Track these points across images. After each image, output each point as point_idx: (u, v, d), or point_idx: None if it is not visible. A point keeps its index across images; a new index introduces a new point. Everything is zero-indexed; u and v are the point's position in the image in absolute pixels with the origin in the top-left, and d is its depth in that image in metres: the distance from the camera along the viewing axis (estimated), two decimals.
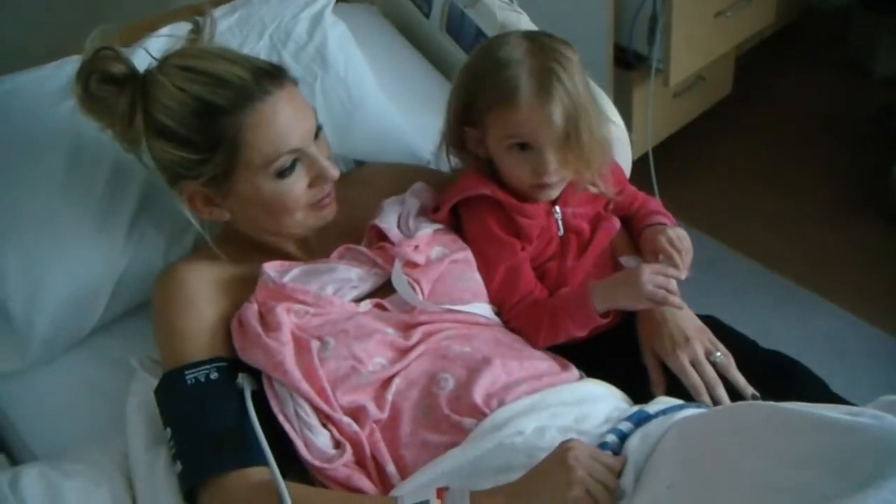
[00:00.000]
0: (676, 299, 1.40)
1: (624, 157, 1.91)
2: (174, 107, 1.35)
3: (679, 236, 1.56)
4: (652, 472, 1.16)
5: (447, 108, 1.55)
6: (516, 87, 1.40)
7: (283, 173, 1.39)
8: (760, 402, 1.32)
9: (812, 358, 1.49)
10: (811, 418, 1.02)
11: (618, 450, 1.23)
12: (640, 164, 2.61)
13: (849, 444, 0.95)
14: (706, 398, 1.42)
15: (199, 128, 1.35)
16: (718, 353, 1.45)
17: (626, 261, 1.61)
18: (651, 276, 1.40)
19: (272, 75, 1.39)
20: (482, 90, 1.44)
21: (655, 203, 1.71)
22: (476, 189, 1.50)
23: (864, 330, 2.54)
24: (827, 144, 3.15)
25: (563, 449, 1.17)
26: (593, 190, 1.57)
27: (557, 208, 1.55)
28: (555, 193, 1.51)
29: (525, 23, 1.87)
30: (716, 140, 3.19)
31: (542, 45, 1.44)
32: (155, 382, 1.39)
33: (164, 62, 1.40)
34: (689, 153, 3.09)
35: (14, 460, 1.55)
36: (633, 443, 1.22)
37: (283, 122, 1.37)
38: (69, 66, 1.66)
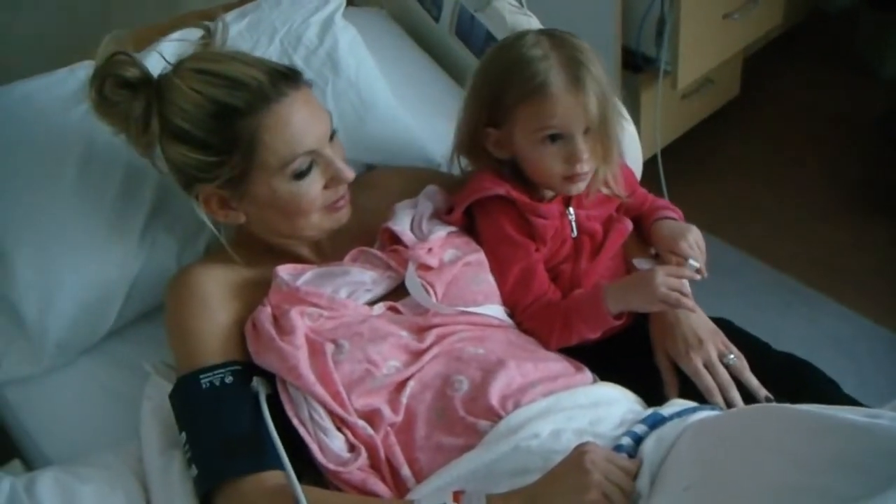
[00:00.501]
0: (689, 302, 1.41)
1: (635, 158, 1.91)
2: (190, 109, 1.36)
3: (695, 240, 1.58)
4: (668, 474, 1.16)
5: (464, 111, 1.55)
6: (547, 79, 1.41)
7: (299, 175, 1.39)
8: (775, 404, 1.32)
9: (821, 359, 1.49)
10: (828, 420, 1.02)
11: (633, 452, 1.23)
12: (648, 165, 2.60)
13: (868, 445, 0.95)
14: (720, 400, 1.42)
15: (215, 130, 1.35)
16: (731, 356, 1.45)
17: (640, 262, 1.61)
18: (664, 278, 1.40)
19: (288, 77, 1.39)
20: (509, 87, 1.45)
21: (664, 203, 1.72)
22: (490, 190, 1.50)
23: (871, 330, 2.54)
24: (834, 145, 3.15)
25: (579, 452, 1.17)
26: (605, 191, 1.58)
27: (571, 210, 1.55)
28: (583, 186, 1.51)
29: (535, 26, 1.87)
30: (724, 141, 3.19)
31: (561, 40, 1.46)
32: (169, 387, 1.39)
33: (179, 66, 1.41)
34: (698, 155, 3.09)
35: (28, 465, 1.55)
36: (649, 445, 1.22)
37: (298, 123, 1.37)
38: (81, 71, 1.68)
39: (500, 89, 1.46)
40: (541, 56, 1.43)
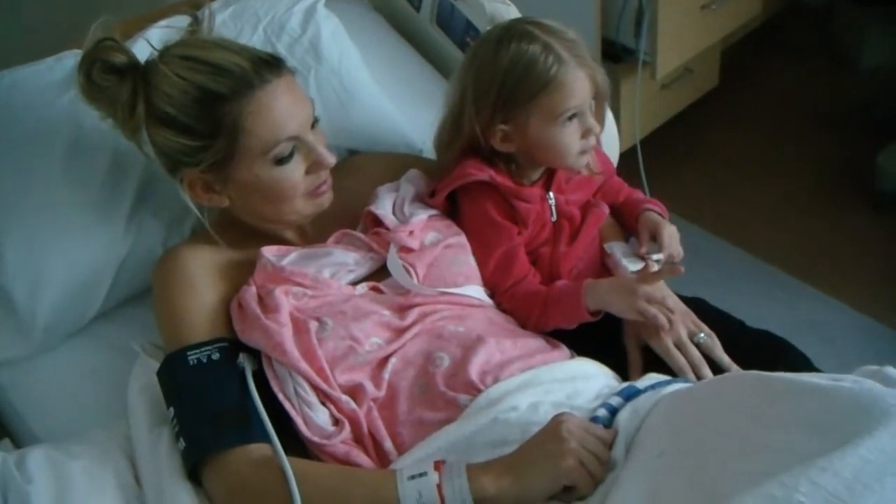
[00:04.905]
0: (663, 318, 1.43)
1: (612, 148, 1.95)
2: (175, 95, 1.38)
3: (676, 238, 1.63)
4: (642, 443, 1.20)
5: (461, 116, 1.54)
6: (560, 69, 1.45)
7: (281, 160, 1.42)
8: (745, 372, 1.35)
9: (799, 343, 1.52)
10: (794, 384, 1.06)
11: (609, 423, 1.26)
12: (628, 155, 2.64)
13: (830, 406, 0.99)
14: (692, 378, 1.44)
15: (199, 115, 1.38)
16: (702, 335, 1.48)
17: (610, 247, 1.65)
18: (646, 291, 1.43)
19: (271, 65, 1.42)
20: (522, 85, 1.47)
21: (641, 194, 1.76)
22: (474, 175, 1.53)
23: (849, 315, 2.58)
24: (813, 135, 3.18)
25: (556, 422, 1.21)
26: (585, 171, 1.61)
27: (552, 194, 1.59)
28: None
29: (514, 14, 1.89)
30: (703, 131, 3.22)
31: (546, 26, 1.49)
32: (156, 366, 1.42)
33: (165, 52, 1.43)
34: (677, 144, 3.13)
35: (18, 445, 1.56)
36: (624, 416, 1.25)
37: (281, 109, 1.40)
38: (68, 59, 1.71)
39: (509, 89, 1.48)
40: (542, 48, 1.46)
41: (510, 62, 1.47)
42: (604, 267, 1.67)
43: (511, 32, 1.50)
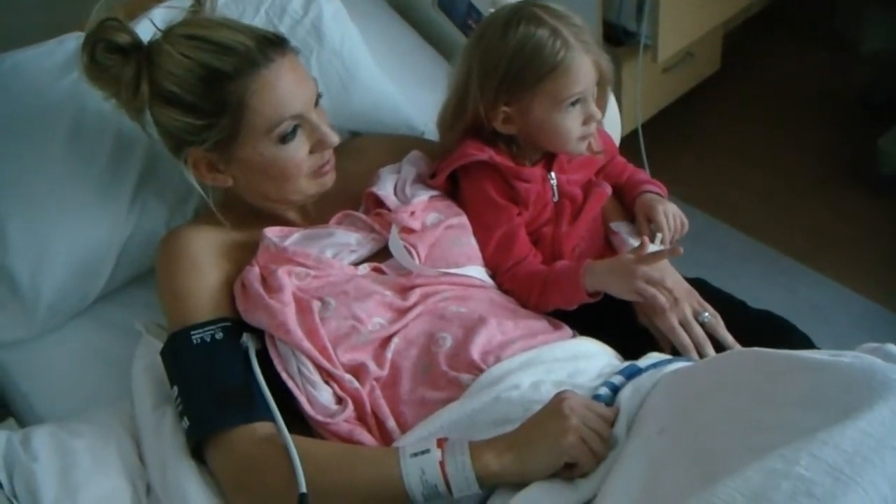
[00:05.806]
0: (662, 299, 1.44)
1: (614, 132, 1.94)
2: (180, 74, 1.38)
3: (673, 213, 1.64)
4: (643, 420, 1.20)
5: (466, 96, 1.55)
6: (566, 54, 1.46)
7: (284, 139, 1.42)
8: (745, 349, 1.36)
9: (800, 326, 1.53)
10: (794, 360, 1.06)
11: (610, 402, 1.27)
12: (630, 139, 2.64)
13: (829, 381, 1.00)
14: (695, 356, 1.45)
15: (204, 93, 1.38)
16: (706, 314, 1.49)
17: (617, 226, 1.66)
18: (645, 272, 1.43)
19: (274, 43, 1.42)
20: (529, 67, 1.47)
21: (644, 174, 1.76)
22: (474, 156, 1.54)
23: (850, 298, 2.58)
24: (814, 118, 3.17)
25: (559, 399, 1.21)
26: (586, 152, 1.61)
27: (553, 174, 1.59)
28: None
29: None
30: (705, 115, 3.21)
31: (553, 10, 1.49)
32: (160, 346, 1.43)
33: (169, 31, 1.44)
34: (679, 128, 3.12)
35: (22, 425, 1.57)
36: (625, 394, 1.26)
37: (285, 87, 1.40)
38: (70, 42, 1.71)
39: (515, 70, 1.48)
40: (550, 32, 1.46)
41: (518, 44, 1.48)
42: (607, 246, 1.68)
43: (519, 15, 1.50)
